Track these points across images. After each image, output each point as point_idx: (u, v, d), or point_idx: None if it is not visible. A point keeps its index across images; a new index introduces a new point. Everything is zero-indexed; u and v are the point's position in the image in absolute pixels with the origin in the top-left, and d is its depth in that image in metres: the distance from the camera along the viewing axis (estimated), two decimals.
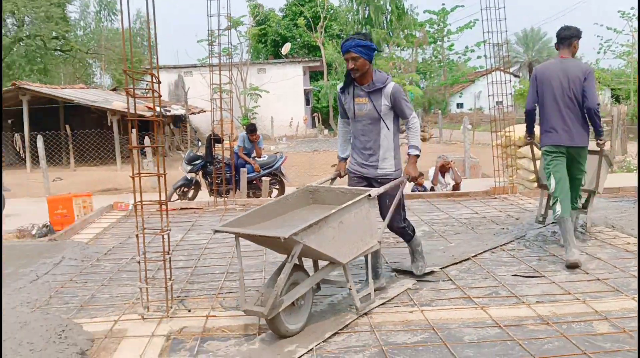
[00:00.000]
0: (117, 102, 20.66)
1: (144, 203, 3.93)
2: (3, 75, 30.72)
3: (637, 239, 5.38)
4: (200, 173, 10.32)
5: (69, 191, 11.61)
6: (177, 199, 10.03)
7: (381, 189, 3.91)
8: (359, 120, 4.18)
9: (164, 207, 4.00)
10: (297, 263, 3.62)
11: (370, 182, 4.24)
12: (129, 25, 4.09)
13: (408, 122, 4.13)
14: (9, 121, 22.78)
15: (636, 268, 4.53)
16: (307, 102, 36.89)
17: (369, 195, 3.72)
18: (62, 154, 21.31)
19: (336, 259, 3.51)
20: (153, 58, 3.90)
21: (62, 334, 3.44)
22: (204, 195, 10.35)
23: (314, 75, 40.03)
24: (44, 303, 4.26)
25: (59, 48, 34.02)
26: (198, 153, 10.52)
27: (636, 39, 23.23)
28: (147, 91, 18.09)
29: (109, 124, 20.40)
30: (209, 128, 10.52)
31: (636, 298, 3.83)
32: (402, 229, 4.34)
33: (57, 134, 20.11)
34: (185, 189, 10.33)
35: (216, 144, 9.76)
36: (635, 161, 13.83)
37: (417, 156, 4.13)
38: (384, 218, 4.14)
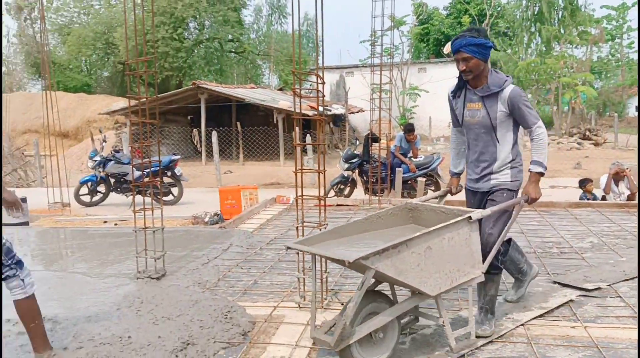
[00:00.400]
0: (283, 101, 21.77)
1: (304, 197, 4.15)
2: (185, 75, 33.75)
3: None
4: (357, 171, 10.53)
5: (238, 183, 12.53)
6: (334, 195, 10.35)
7: (487, 211, 3.29)
8: (470, 128, 3.64)
9: (322, 202, 4.19)
10: (378, 290, 3.29)
11: (485, 198, 3.66)
12: (298, 27, 4.32)
13: (532, 133, 3.48)
14: (189, 117, 25.07)
15: None
16: None
17: (470, 217, 3.16)
18: (233, 148, 22.98)
19: (422, 290, 3.04)
20: (318, 59, 4.09)
21: (227, 315, 3.77)
22: (359, 193, 10.57)
23: None
24: (213, 285, 4.66)
25: (233, 50, 36.45)
26: (355, 152, 10.74)
27: None
28: (311, 91, 18.86)
29: (275, 122, 21.57)
30: (367, 127, 10.68)
31: None
32: (491, 245, 3.41)
33: (229, 130, 21.76)
34: (342, 187, 10.62)
35: (373, 143, 9.90)
36: None
37: (541, 173, 3.48)
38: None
